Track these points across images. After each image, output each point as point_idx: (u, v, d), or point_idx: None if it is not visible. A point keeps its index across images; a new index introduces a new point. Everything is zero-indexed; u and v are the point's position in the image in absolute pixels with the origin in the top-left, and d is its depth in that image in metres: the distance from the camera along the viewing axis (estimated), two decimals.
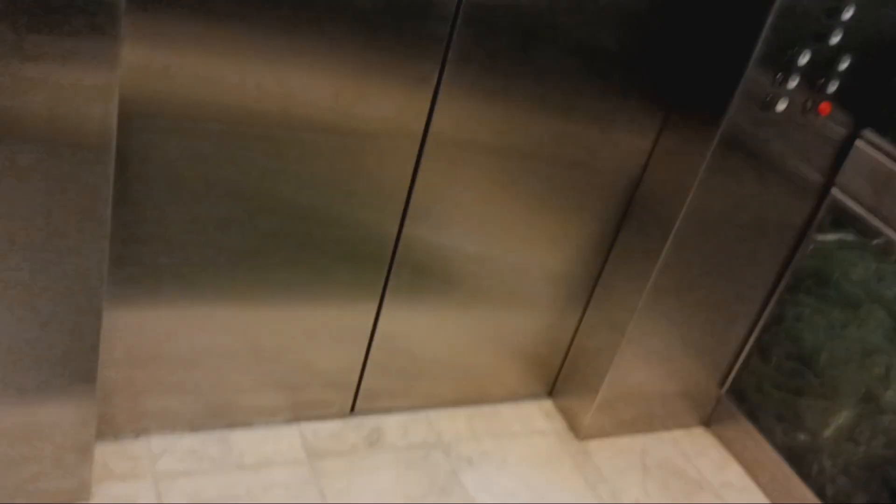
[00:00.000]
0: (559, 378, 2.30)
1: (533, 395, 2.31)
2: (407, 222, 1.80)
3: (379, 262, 1.84)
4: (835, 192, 2.02)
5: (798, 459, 2.15)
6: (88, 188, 1.31)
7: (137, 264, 1.60)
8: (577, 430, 2.22)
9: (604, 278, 2.10)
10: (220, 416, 1.92)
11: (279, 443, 1.94)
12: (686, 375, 2.27)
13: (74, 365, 1.48)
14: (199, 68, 1.43)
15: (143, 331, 1.70)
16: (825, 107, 1.86)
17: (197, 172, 1.54)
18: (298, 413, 2.01)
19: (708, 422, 2.42)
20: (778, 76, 1.77)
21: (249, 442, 1.92)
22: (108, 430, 1.81)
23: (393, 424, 2.09)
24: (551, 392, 2.33)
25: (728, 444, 2.36)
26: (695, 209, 1.89)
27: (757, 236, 2.04)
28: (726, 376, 2.33)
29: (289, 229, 1.70)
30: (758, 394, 2.26)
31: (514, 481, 2.03)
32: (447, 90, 1.65)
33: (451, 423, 2.15)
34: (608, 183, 1.97)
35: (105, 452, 1.79)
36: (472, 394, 2.22)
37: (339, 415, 2.06)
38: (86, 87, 1.23)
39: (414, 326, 2.00)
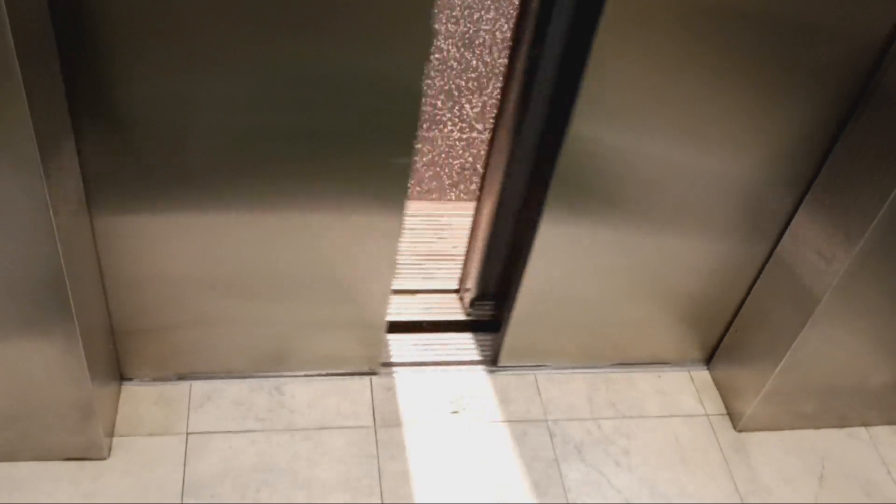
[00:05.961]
0: (723, 342, 1.77)
1: (682, 361, 1.82)
2: None
3: None
4: None
5: None
6: None
7: (168, 168, 1.28)
8: (736, 417, 1.72)
9: (808, 204, 1.53)
10: (279, 360, 1.61)
11: (344, 398, 1.61)
12: None
13: (44, 301, 1.23)
14: None
15: (185, 241, 1.38)
16: None
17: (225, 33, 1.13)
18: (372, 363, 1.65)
19: None
20: None
21: (308, 394, 1.61)
22: (147, 370, 1.57)
23: (488, 386, 1.68)
24: (709, 359, 1.80)
25: None
26: None
27: None
28: None
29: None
30: None
31: (634, 482, 1.58)
32: None
33: (565, 390, 1.71)
34: (838, 62, 1.34)
35: (139, 397, 1.56)
36: (598, 352, 1.76)
37: None
38: None
39: None
